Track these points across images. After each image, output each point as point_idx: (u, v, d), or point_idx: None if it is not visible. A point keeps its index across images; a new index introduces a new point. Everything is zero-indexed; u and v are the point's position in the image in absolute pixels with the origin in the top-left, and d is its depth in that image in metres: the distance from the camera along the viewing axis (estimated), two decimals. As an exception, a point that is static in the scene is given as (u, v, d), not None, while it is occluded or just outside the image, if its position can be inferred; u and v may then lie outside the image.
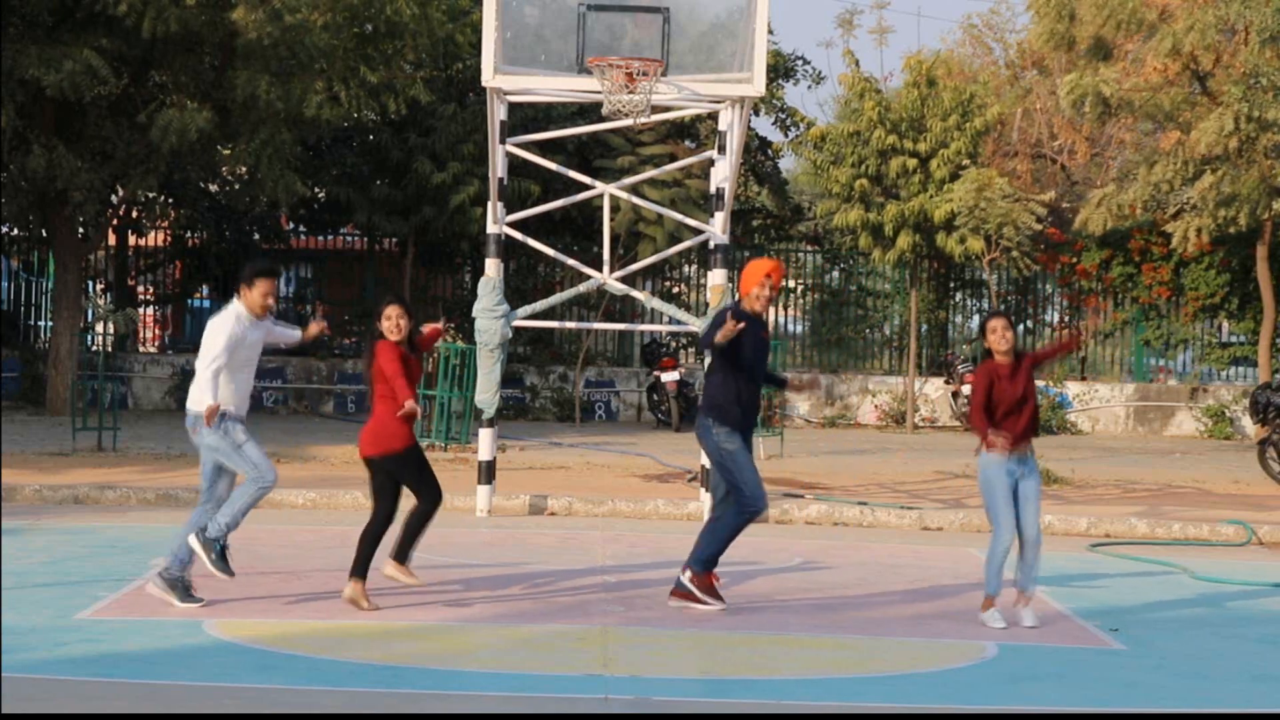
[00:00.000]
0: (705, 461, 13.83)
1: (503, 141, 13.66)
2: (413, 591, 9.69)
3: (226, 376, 9.13)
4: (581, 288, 14.90)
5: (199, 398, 9.09)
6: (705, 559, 9.46)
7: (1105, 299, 25.89)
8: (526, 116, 22.95)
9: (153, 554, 10.91)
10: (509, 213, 14.39)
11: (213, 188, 25.51)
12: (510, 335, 13.82)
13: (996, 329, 9.35)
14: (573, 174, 15.00)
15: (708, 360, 13.85)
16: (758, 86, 12.81)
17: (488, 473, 13.86)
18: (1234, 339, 25.52)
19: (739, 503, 9.47)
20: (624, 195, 15.18)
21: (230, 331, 9.15)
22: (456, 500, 13.93)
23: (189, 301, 27.38)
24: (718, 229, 13.88)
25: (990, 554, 9.31)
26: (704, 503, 13.80)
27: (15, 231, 24.79)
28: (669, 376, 22.66)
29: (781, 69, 27.92)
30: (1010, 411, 9.27)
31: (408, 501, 9.48)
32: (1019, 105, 28.49)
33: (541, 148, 18.32)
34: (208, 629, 8.53)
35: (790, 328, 27.90)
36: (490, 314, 13.56)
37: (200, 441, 9.19)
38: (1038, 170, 29.57)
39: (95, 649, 7.96)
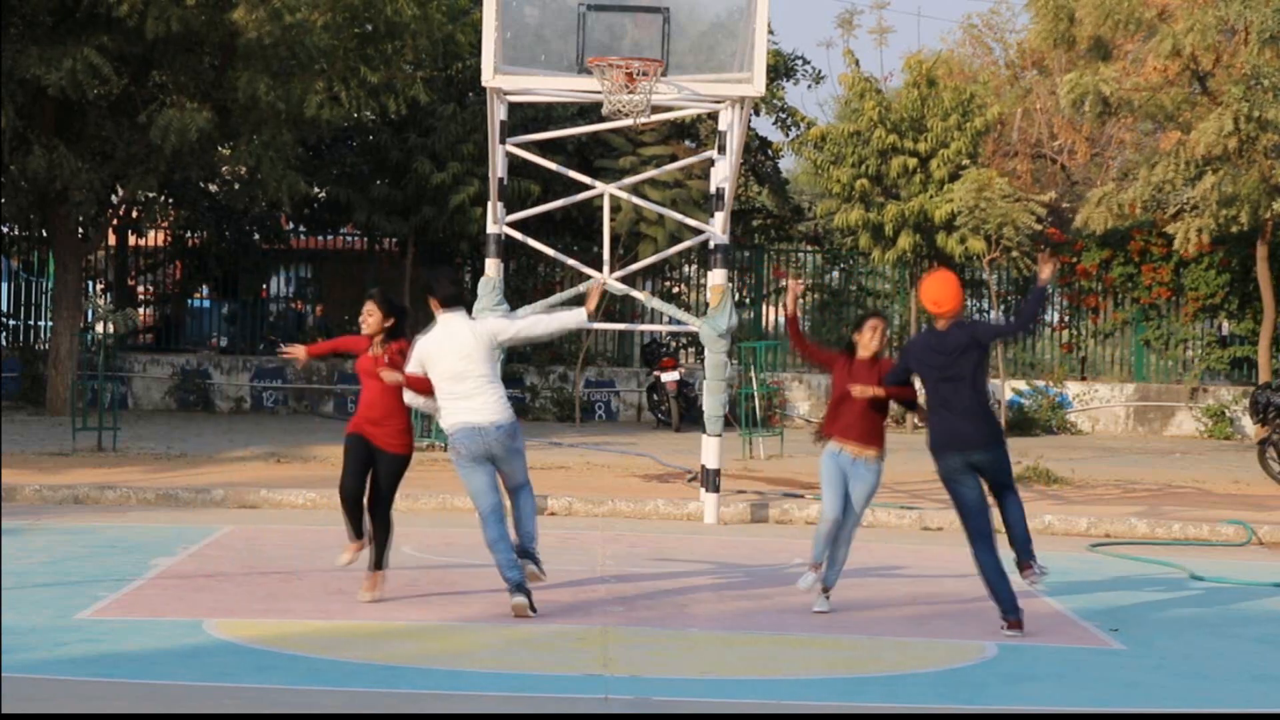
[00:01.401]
0: (705, 462, 13.83)
1: (503, 141, 13.66)
2: (413, 591, 9.69)
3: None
4: (581, 288, 14.90)
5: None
6: (1004, 604, 9.08)
7: (1105, 299, 25.88)
8: (526, 116, 22.94)
9: (153, 554, 10.93)
10: (509, 213, 14.39)
11: (213, 188, 25.51)
12: (510, 335, 13.79)
13: (877, 328, 9.54)
14: (573, 174, 15.00)
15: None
16: (758, 86, 12.81)
17: (488, 473, 13.83)
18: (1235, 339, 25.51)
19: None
20: (624, 195, 15.18)
21: None
22: (456, 500, 13.93)
23: (189, 301, 27.38)
24: (718, 229, 13.88)
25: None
26: (704, 503, 13.80)
27: (15, 231, 24.79)
28: (669, 376, 22.65)
29: (781, 69, 27.91)
30: (847, 404, 9.42)
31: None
32: (1019, 105, 28.48)
33: (541, 148, 18.30)
34: (208, 629, 8.53)
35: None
36: (490, 314, 13.55)
37: (517, 447, 9.15)
38: (1038, 170, 29.55)
39: (95, 649, 7.96)
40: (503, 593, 9.87)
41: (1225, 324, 25.58)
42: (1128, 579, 11.40)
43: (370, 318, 9.48)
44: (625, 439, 20.60)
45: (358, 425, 9.50)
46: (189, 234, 25.93)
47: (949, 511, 14.05)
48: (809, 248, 27.82)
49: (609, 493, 14.77)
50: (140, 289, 26.85)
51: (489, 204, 13.77)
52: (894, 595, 10.36)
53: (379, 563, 9.44)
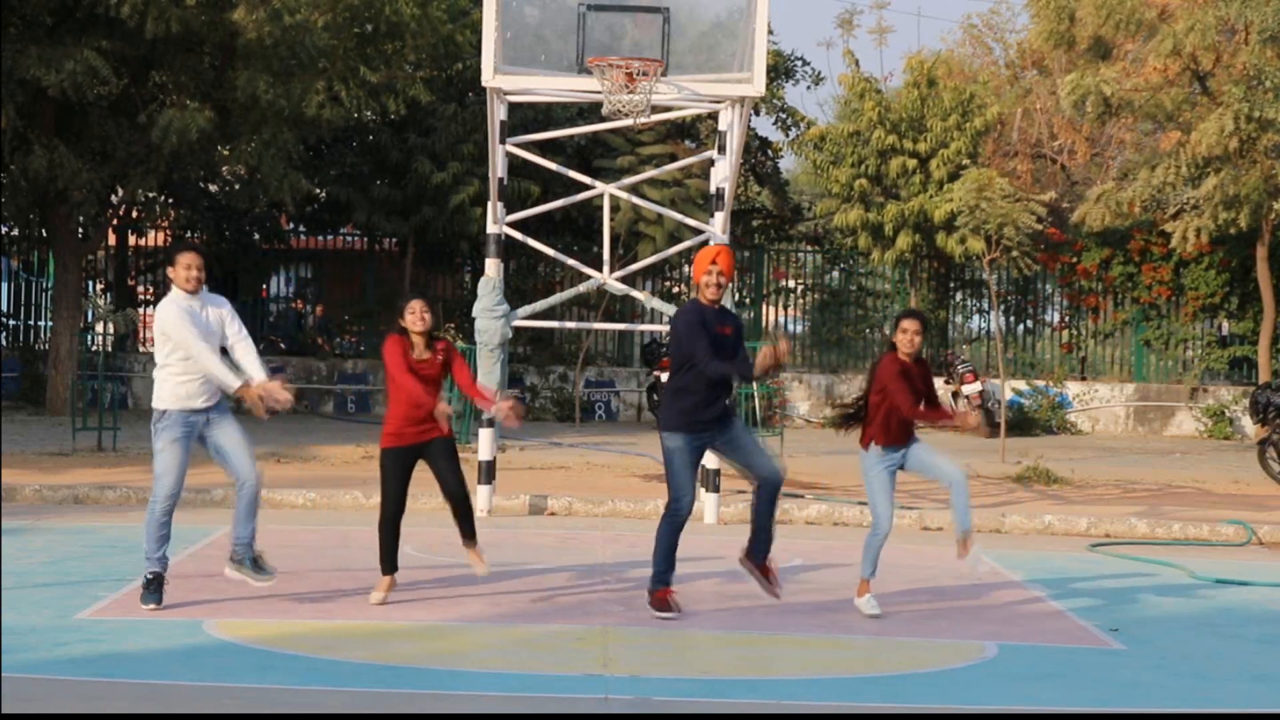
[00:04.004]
0: (705, 462, 13.82)
1: (503, 141, 13.66)
2: (413, 591, 9.69)
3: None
4: (581, 288, 14.91)
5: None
6: (654, 576, 9.26)
7: (1105, 299, 25.89)
8: (526, 117, 22.96)
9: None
10: (509, 213, 14.39)
11: (213, 188, 25.52)
12: (510, 335, 13.82)
13: (908, 329, 9.43)
14: (573, 174, 15.00)
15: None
16: (758, 86, 12.81)
17: (488, 473, 13.86)
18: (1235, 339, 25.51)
19: (666, 506, 9.31)
20: (624, 195, 15.17)
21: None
22: (456, 500, 13.92)
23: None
24: (718, 229, 13.88)
25: (866, 542, 9.61)
26: (704, 503, 13.79)
27: (15, 231, 24.80)
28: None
29: (781, 69, 27.93)
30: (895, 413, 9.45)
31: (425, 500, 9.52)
32: (1019, 105, 28.50)
33: (541, 148, 18.32)
34: (208, 629, 8.52)
35: (790, 328, 27.89)
36: (490, 314, 13.56)
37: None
38: (1038, 170, 29.58)
39: (95, 649, 7.96)
40: (503, 593, 9.88)
41: (1225, 324, 25.59)
42: (1128, 579, 11.40)
43: (426, 315, 9.34)
44: (625, 439, 20.60)
45: (399, 434, 9.34)
46: (189, 234, 25.93)
47: (949, 511, 14.08)
48: (809, 248, 27.83)
49: (609, 493, 14.77)
50: (140, 289, 26.86)
51: (489, 204, 13.77)
52: (894, 595, 10.36)
53: (474, 534, 9.47)
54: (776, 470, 9.39)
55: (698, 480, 9.33)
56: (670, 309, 15.05)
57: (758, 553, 9.43)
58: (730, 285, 13.71)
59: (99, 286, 26.02)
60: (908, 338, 9.45)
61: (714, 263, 9.28)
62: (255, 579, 9.17)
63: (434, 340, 9.42)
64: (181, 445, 9.02)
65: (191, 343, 8.90)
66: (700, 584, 10.57)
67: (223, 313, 9.24)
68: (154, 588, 9.00)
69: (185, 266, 9.08)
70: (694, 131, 25.88)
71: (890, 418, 9.52)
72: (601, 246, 14.78)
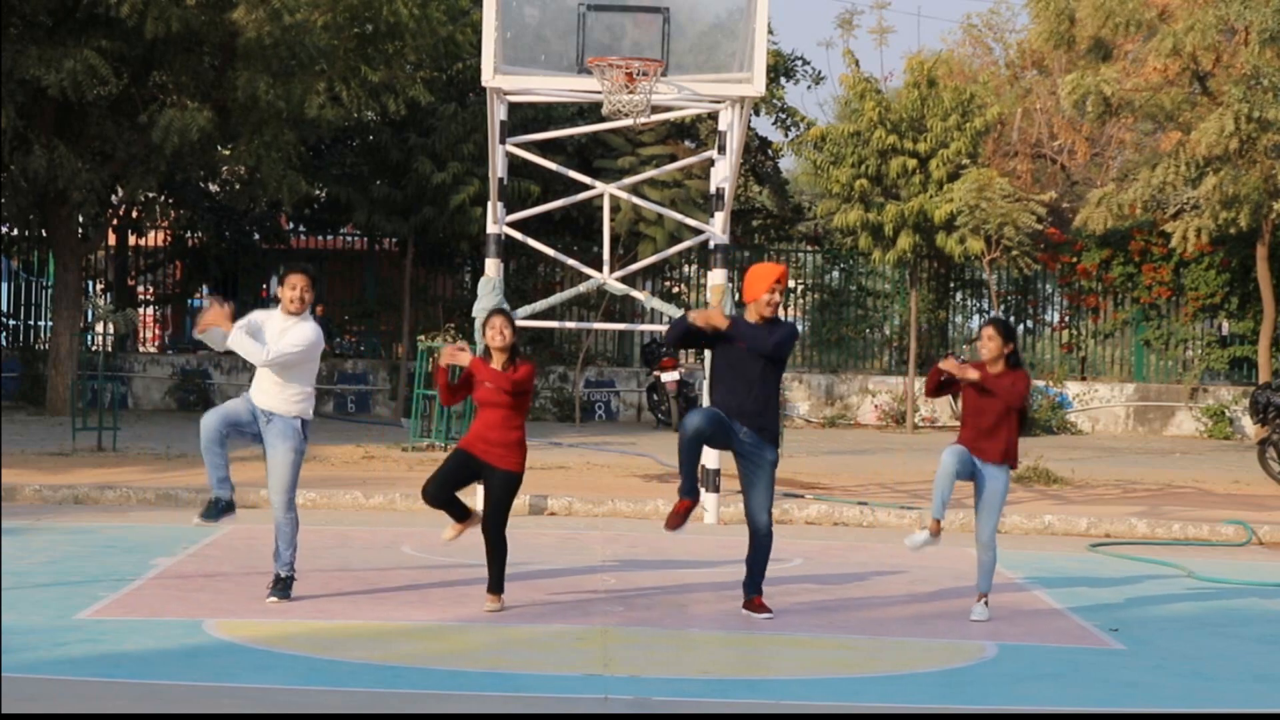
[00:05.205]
0: (705, 462, 13.82)
1: (503, 141, 13.66)
2: (413, 591, 9.69)
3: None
4: (581, 288, 14.91)
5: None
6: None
7: (1105, 299, 25.89)
8: (526, 117, 22.95)
9: (153, 554, 10.92)
10: (509, 213, 14.39)
11: (213, 188, 25.53)
12: (510, 335, 13.80)
13: (985, 336, 9.37)
14: (573, 174, 14.99)
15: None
16: (758, 86, 12.81)
17: (488, 473, 13.84)
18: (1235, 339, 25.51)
19: None
20: (624, 195, 15.17)
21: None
22: (456, 500, 13.91)
23: (189, 301, 27.38)
24: (718, 229, 13.88)
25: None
26: (704, 503, 13.79)
27: (15, 231, 24.81)
28: (669, 376, 22.65)
29: (781, 69, 27.93)
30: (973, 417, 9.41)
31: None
32: (1019, 105, 28.49)
33: (541, 148, 18.31)
34: (208, 629, 8.52)
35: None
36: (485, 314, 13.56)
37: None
38: (1038, 170, 29.57)
39: (95, 649, 7.95)
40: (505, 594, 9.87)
41: (1225, 324, 25.59)
42: (1128, 579, 11.40)
43: (506, 330, 9.17)
44: (625, 439, 20.60)
45: (470, 442, 9.30)
46: (189, 234, 25.94)
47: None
48: (809, 248, 27.83)
49: (609, 493, 14.77)
50: (140, 289, 26.86)
51: (489, 204, 13.77)
52: (894, 595, 10.37)
53: (498, 585, 9.26)
54: (762, 521, 9.34)
55: (713, 432, 9.19)
56: (670, 309, 15.07)
57: (746, 587, 9.40)
58: (732, 286, 13.71)
59: (99, 286, 26.02)
60: (984, 345, 9.36)
61: (777, 282, 9.22)
62: (275, 595, 9.27)
63: (515, 360, 9.21)
64: (240, 404, 9.15)
65: (233, 339, 9.02)
66: (700, 584, 10.58)
67: (293, 329, 9.12)
68: (209, 508, 9.24)
69: (291, 287, 9.12)
70: (694, 131, 25.87)
71: (964, 417, 9.50)
72: (601, 246, 14.78)
